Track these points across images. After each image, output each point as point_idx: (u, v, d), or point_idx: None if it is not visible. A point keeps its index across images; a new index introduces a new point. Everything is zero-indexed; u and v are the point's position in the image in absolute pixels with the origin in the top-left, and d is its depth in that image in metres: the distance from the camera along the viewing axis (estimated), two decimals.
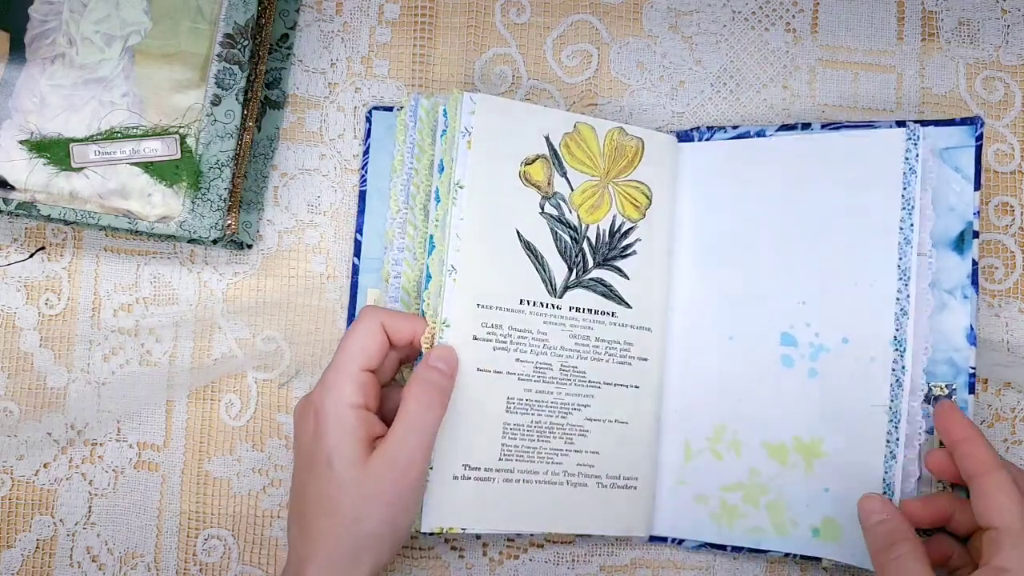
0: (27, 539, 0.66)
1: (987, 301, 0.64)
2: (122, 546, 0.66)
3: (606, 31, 0.69)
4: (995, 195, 0.65)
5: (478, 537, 0.65)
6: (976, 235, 0.60)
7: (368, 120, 0.67)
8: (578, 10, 0.69)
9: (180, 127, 0.62)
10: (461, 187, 0.59)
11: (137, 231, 0.61)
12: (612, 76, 0.68)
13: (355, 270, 0.66)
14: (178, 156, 0.61)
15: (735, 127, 0.65)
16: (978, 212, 0.60)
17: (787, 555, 0.61)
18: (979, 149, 0.60)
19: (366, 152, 0.66)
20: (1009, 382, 0.64)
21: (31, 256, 0.67)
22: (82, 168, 0.61)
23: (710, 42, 0.68)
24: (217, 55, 0.62)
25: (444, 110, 0.60)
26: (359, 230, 0.66)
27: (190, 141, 0.62)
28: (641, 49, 0.68)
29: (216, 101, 0.62)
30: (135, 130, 0.62)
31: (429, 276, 0.59)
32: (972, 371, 0.59)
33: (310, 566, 0.53)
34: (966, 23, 0.67)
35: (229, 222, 0.63)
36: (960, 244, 0.60)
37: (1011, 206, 0.65)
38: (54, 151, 0.61)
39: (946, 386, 0.59)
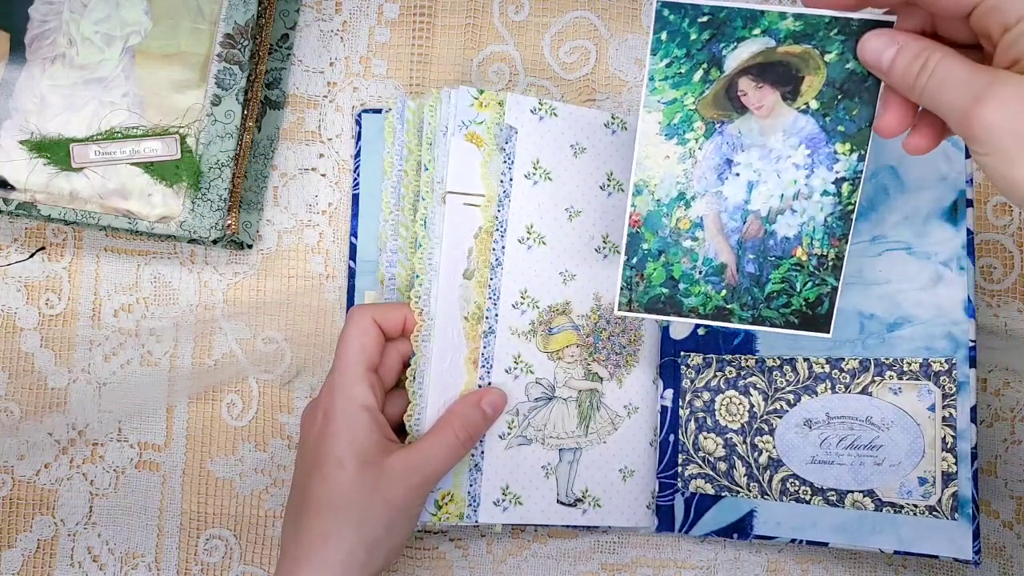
0: (28, 539, 0.66)
1: (986, 301, 0.65)
2: (123, 546, 0.66)
3: (605, 28, 0.69)
4: (993, 195, 0.65)
5: (482, 535, 0.65)
6: (970, 204, 0.57)
7: (358, 123, 0.66)
8: (577, 7, 0.69)
9: (180, 127, 0.62)
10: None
11: (137, 231, 0.61)
12: (610, 72, 0.68)
13: (351, 273, 0.66)
14: (178, 156, 0.61)
15: None
16: (971, 180, 0.57)
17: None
18: None
19: (357, 155, 0.66)
20: (1008, 381, 0.64)
21: (31, 256, 0.67)
22: (82, 168, 0.61)
23: None
24: (217, 55, 0.62)
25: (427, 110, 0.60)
26: (354, 233, 0.66)
27: (190, 141, 0.61)
28: (640, 46, 0.68)
29: (216, 101, 0.62)
30: (135, 130, 0.61)
31: (417, 275, 0.59)
32: (972, 344, 0.57)
33: (303, 569, 0.53)
34: None
35: (229, 222, 0.63)
36: (953, 214, 0.57)
37: (1009, 206, 0.65)
38: (54, 151, 0.61)
39: (946, 361, 0.57)
